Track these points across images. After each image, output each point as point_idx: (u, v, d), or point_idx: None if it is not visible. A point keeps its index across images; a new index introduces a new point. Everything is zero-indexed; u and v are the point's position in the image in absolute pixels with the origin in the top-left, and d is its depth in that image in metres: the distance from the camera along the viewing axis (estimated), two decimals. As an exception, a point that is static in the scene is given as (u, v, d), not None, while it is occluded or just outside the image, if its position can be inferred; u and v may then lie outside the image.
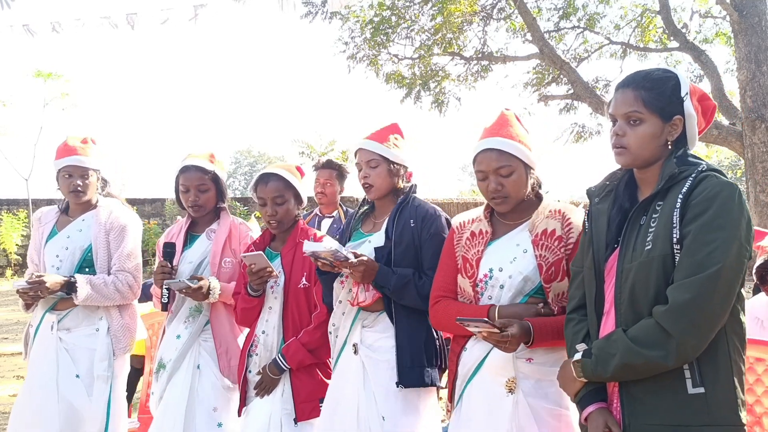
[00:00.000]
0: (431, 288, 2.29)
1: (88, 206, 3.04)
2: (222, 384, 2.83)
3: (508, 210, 2.12)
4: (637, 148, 1.69)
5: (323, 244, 2.36)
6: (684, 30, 12.57)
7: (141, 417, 3.73)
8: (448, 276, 2.21)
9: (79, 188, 2.94)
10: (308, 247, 2.35)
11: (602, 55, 13.92)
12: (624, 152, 1.71)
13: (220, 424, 2.80)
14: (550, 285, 2.02)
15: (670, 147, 1.70)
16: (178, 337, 2.85)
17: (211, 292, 2.74)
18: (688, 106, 1.70)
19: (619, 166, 1.81)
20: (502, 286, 2.05)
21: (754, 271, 3.87)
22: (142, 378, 4.16)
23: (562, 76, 12.99)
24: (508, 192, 2.07)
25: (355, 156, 2.57)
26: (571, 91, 12.69)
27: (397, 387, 2.35)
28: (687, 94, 1.70)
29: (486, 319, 1.89)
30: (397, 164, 2.52)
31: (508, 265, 2.06)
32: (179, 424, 2.73)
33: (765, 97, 10.76)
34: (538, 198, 2.17)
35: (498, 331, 1.85)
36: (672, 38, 12.45)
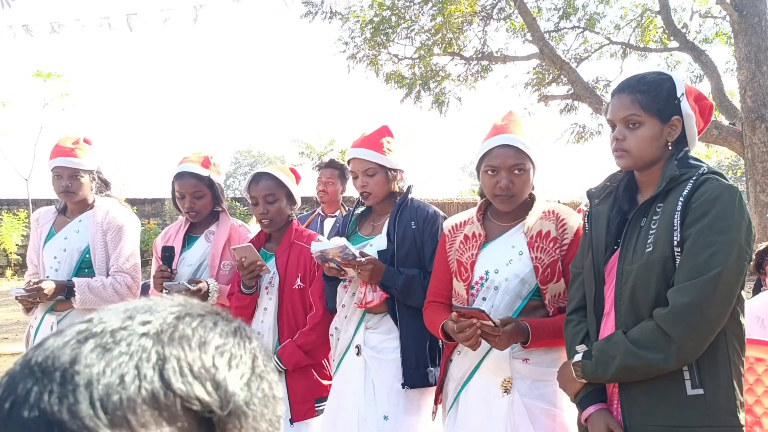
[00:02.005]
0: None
1: (85, 206, 3.02)
2: None
3: (511, 209, 2.12)
4: (638, 150, 1.69)
5: (331, 242, 2.34)
6: (684, 30, 12.56)
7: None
8: (441, 281, 2.23)
9: (68, 188, 2.92)
10: (316, 246, 2.35)
11: (602, 55, 13.92)
12: (625, 155, 1.72)
13: None
14: (547, 287, 2.02)
15: (670, 148, 1.71)
16: None
17: (210, 294, 2.74)
18: (686, 106, 1.70)
19: (619, 168, 1.81)
20: (497, 288, 2.06)
21: (753, 258, 3.86)
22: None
23: (562, 76, 12.99)
24: (517, 191, 2.07)
25: (349, 164, 2.54)
26: (572, 91, 12.69)
27: (403, 388, 2.35)
28: (683, 94, 1.71)
29: (483, 309, 1.89)
30: (394, 170, 2.51)
31: (504, 268, 2.06)
32: None
33: (765, 97, 10.75)
34: (532, 199, 2.17)
35: (491, 324, 1.86)
36: (672, 38, 12.45)
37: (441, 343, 2.45)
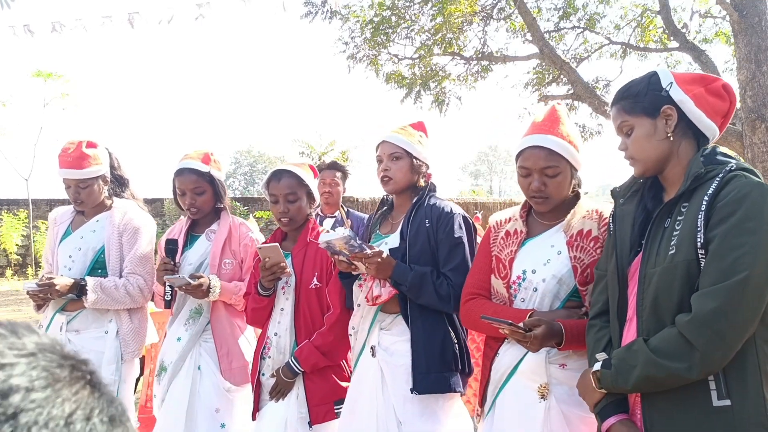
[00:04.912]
0: (456, 286, 2.25)
1: (102, 207, 3.02)
2: (223, 385, 2.82)
3: (547, 210, 2.07)
4: (640, 153, 1.67)
5: (336, 233, 2.31)
6: (684, 30, 12.55)
7: (141, 417, 3.74)
8: (483, 274, 2.16)
9: (77, 198, 2.94)
10: (323, 237, 2.32)
11: (602, 55, 13.91)
12: (634, 163, 1.70)
13: (223, 425, 2.79)
14: (587, 288, 1.95)
15: (671, 139, 1.63)
16: (179, 339, 2.84)
17: (211, 290, 2.73)
18: (677, 92, 1.63)
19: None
20: (535, 289, 2.00)
21: None
22: (141, 378, 4.16)
23: (562, 76, 12.98)
24: (550, 192, 2.02)
25: (377, 149, 2.52)
26: (572, 91, 12.67)
27: (412, 393, 2.29)
28: (671, 83, 1.64)
29: (510, 321, 1.84)
30: (420, 161, 2.47)
31: (541, 268, 2.00)
32: (180, 425, 2.72)
33: (765, 97, 10.76)
34: (576, 197, 2.11)
35: (522, 330, 1.82)
36: (672, 38, 12.44)
37: (458, 348, 2.39)
